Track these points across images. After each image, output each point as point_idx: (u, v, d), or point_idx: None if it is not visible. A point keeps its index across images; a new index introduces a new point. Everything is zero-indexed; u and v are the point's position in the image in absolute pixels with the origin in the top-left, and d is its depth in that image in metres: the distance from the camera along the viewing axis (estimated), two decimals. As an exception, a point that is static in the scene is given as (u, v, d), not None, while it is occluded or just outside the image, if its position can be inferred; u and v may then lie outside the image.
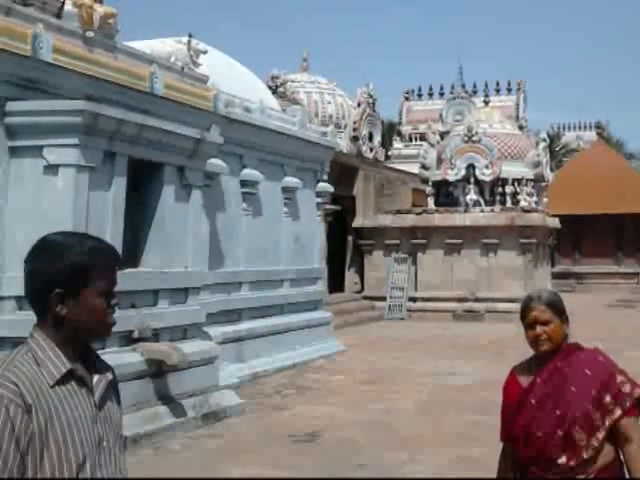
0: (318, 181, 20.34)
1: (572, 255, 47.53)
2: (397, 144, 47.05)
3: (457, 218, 29.47)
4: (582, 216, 44.85)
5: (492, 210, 29.93)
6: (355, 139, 32.47)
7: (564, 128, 77.86)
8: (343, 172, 27.58)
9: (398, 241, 30.18)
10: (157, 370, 11.25)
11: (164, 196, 11.82)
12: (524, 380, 4.16)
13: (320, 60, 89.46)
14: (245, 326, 16.36)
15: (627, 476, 3.93)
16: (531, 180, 31.72)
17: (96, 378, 2.78)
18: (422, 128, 42.79)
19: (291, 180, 18.43)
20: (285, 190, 18.34)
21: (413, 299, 29.38)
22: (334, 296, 26.17)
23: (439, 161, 31.69)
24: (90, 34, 11.63)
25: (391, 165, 38.49)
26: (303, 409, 13.11)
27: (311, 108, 31.56)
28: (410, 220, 30.26)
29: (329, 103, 33.85)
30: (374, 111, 34.61)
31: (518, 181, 31.21)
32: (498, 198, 30.82)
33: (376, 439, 11.06)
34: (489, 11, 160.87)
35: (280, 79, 27.88)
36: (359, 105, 33.42)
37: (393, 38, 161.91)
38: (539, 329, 4.03)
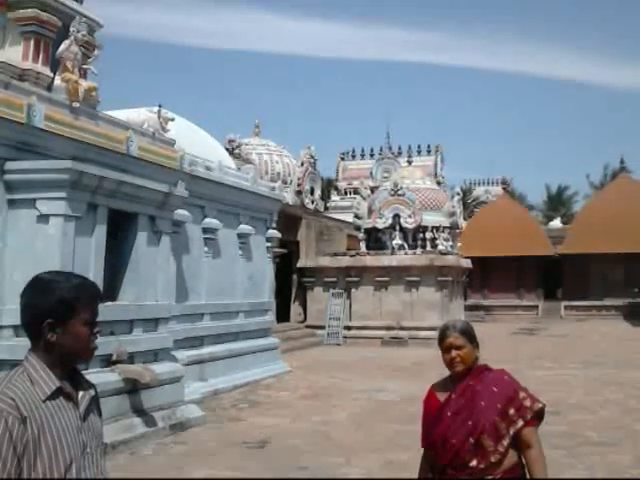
0: (268, 228, 20.33)
1: (481, 291, 47.70)
2: (334, 197, 47.01)
3: (385, 259, 29.38)
4: (490, 258, 45.21)
5: (414, 253, 29.91)
6: (299, 193, 32.64)
7: (475, 184, 78.32)
8: (289, 221, 27.61)
9: (335, 279, 30.01)
10: (132, 387, 11.19)
11: (138, 241, 11.80)
12: (441, 396, 4.19)
13: (270, 126, 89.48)
14: (206, 350, 16.31)
15: (527, 476, 3.98)
16: (447, 227, 31.91)
17: (81, 394, 2.81)
18: (355, 184, 42.86)
19: (245, 227, 18.45)
20: (240, 236, 18.34)
21: (348, 327, 29.08)
22: (281, 325, 25.98)
23: (370, 211, 31.81)
24: (76, 104, 11.59)
25: (329, 215, 38.21)
26: (255, 420, 13.01)
27: (262, 167, 31.64)
28: (345, 261, 30.13)
29: (277, 163, 33.95)
30: (315, 169, 34.80)
31: (436, 228, 31.36)
32: (419, 242, 30.93)
33: (317, 445, 11.02)
34: (413, 85, 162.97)
35: (236, 142, 27.95)
36: (302, 164, 33.58)
37: (331, 108, 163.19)
38: (454, 353, 4.08)
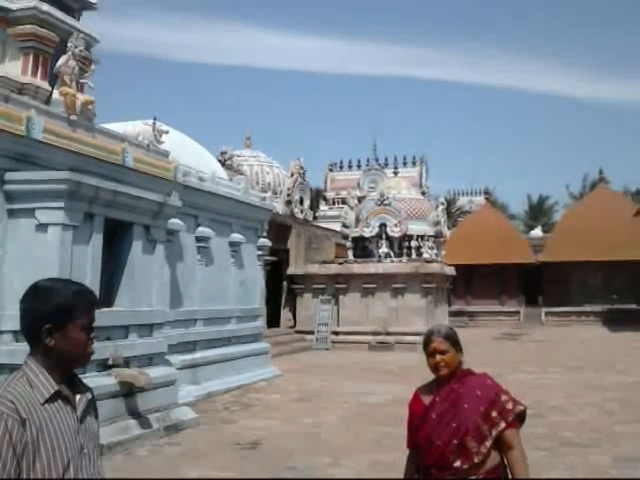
0: (259, 237, 20.33)
1: (465, 297, 47.75)
2: (323, 207, 47.09)
3: (372, 267, 29.48)
4: (473, 265, 45.34)
5: (400, 261, 30.04)
6: (289, 203, 32.71)
7: (459, 194, 78.53)
8: (279, 229, 27.66)
9: (324, 285, 30.07)
10: (128, 391, 11.18)
11: (133, 249, 11.82)
12: (426, 399, 4.18)
13: (260, 138, 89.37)
14: (200, 355, 16.31)
15: (509, 476, 3.98)
16: (432, 236, 32.01)
17: (78, 397, 2.81)
18: (343, 194, 42.90)
19: (237, 236, 18.46)
20: (232, 244, 18.34)
21: (336, 333, 29.12)
22: (272, 330, 25.97)
23: (357, 221, 31.92)
24: (73, 117, 11.62)
25: (318, 224, 38.28)
26: (247, 422, 13.00)
27: (253, 178, 31.74)
28: (333, 269, 30.21)
29: (267, 173, 34.05)
30: (304, 180, 34.90)
31: (421, 237, 31.50)
32: (405, 251, 31.04)
33: (307, 446, 11.03)
34: (399, 99, 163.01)
35: (227, 154, 27.97)
36: (292, 175, 33.68)
37: (320, 121, 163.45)
38: (438, 357, 4.09)
